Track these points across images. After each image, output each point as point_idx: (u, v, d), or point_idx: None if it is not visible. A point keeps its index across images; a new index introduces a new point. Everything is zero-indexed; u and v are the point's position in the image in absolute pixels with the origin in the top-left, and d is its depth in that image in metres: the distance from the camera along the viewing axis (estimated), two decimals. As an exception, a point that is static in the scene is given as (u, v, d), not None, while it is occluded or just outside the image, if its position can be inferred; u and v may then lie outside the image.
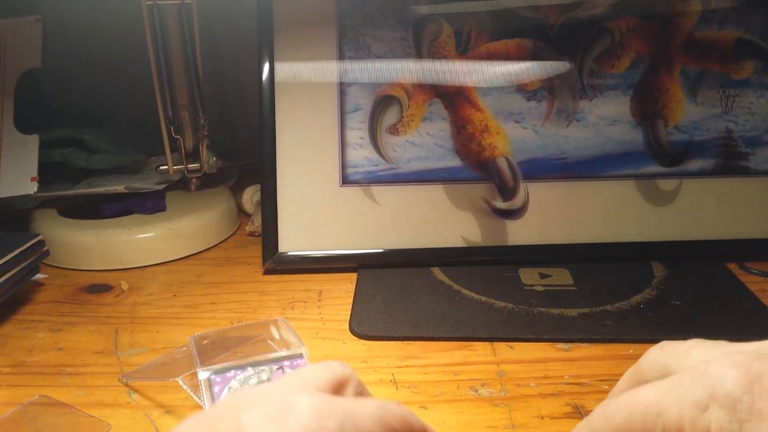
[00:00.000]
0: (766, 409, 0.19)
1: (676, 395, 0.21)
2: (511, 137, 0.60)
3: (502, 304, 0.53)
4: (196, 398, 0.42)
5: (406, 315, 0.52)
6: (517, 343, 0.48)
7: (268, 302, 0.56)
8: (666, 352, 0.24)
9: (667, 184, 0.61)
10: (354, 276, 0.59)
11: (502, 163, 0.60)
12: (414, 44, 0.60)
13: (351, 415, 0.22)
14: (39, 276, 0.59)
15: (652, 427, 0.21)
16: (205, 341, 0.46)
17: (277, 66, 0.60)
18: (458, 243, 0.60)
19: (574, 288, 0.55)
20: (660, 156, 0.61)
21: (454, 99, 0.60)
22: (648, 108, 0.60)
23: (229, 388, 0.40)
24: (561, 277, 0.57)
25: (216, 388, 0.40)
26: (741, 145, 0.61)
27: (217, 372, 0.41)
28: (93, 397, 0.44)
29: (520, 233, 0.60)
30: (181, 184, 0.72)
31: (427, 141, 0.60)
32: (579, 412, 0.40)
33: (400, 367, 0.46)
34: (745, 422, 0.19)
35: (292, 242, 0.60)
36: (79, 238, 0.62)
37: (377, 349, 0.48)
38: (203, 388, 0.40)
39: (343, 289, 0.57)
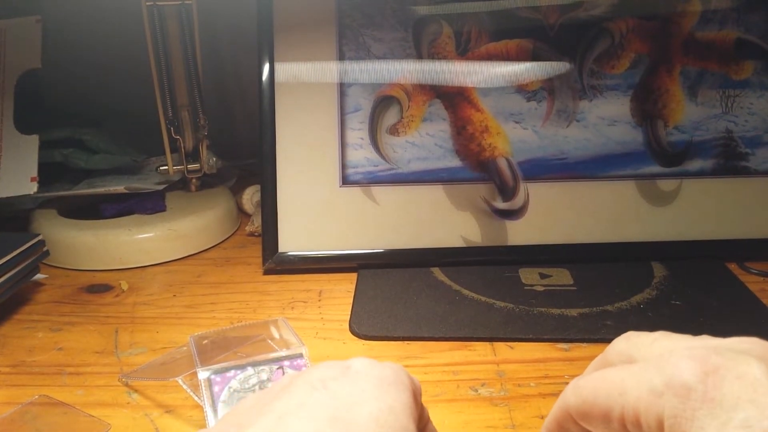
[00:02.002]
0: (718, 398, 0.20)
1: (637, 380, 0.22)
2: (511, 137, 0.60)
3: (502, 304, 0.53)
4: (196, 398, 0.42)
5: (406, 315, 0.52)
6: (517, 343, 0.48)
7: (268, 302, 0.56)
8: (632, 344, 0.25)
9: (667, 185, 0.61)
10: (354, 276, 0.59)
11: (502, 164, 0.60)
12: (414, 45, 0.60)
13: (395, 367, 0.25)
14: (39, 276, 0.59)
15: (613, 405, 0.22)
16: (205, 341, 0.46)
17: (277, 66, 0.60)
18: (458, 243, 0.60)
19: (574, 288, 0.55)
20: (660, 156, 0.61)
21: (454, 99, 0.60)
22: (648, 108, 0.60)
23: (229, 387, 0.40)
24: (561, 277, 0.57)
25: (216, 388, 0.40)
26: (741, 145, 0.61)
27: (217, 372, 0.41)
28: (93, 396, 0.44)
29: (520, 233, 0.60)
30: (181, 184, 0.72)
31: (427, 141, 0.60)
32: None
33: (400, 367, 0.46)
34: (698, 410, 0.20)
35: (292, 242, 0.60)
36: (79, 238, 0.62)
37: (377, 349, 0.48)
38: (203, 387, 0.40)
39: (343, 289, 0.57)
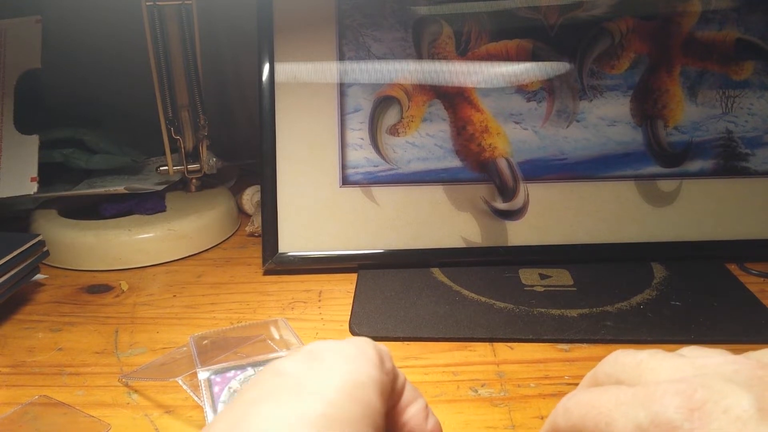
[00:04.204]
0: None
1: (623, 412, 0.22)
2: (511, 138, 0.60)
3: (502, 304, 0.53)
4: (196, 398, 0.42)
5: (406, 315, 0.52)
6: (517, 343, 0.48)
7: (268, 302, 0.56)
8: (618, 366, 0.25)
9: (667, 185, 0.61)
10: (354, 276, 0.59)
11: (502, 164, 0.60)
12: (414, 45, 0.60)
13: (358, 342, 0.26)
14: (39, 276, 0.59)
15: None
16: (205, 341, 0.46)
17: (277, 66, 0.60)
18: (458, 243, 0.60)
19: (574, 288, 0.55)
20: (660, 157, 0.61)
21: (454, 100, 0.60)
22: (648, 108, 0.60)
23: (229, 388, 0.40)
24: (561, 278, 0.57)
25: (216, 388, 0.40)
26: (741, 145, 0.61)
27: (217, 372, 0.41)
28: (93, 397, 0.44)
29: (520, 234, 0.60)
30: (181, 184, 0.72)
31: (427, 142, 0.60)
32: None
33: (400, 368, 0.46)
34: None
35: (292, 243, 0.60)
36: (80, 238, 0.62)
37: (377, 349, 0.48)
38: (203, 388, 0.40)
39: (343, 289, 0.57)
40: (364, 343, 0.26)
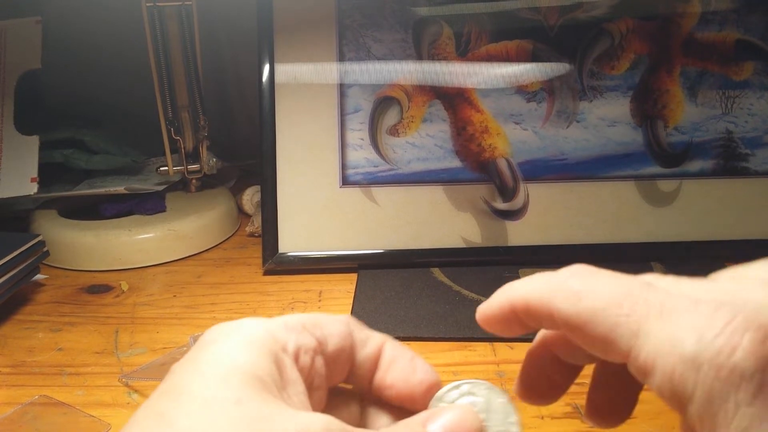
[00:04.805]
0: None
1: (662, 332, 0.17)
2: (511, 138, 0.60)
3: (502, 304, 0.53)
4: (196, 398, 0.42)
5: (406, 315, 0.52)
6: (517, 343, 0.48)
7: (268, 303, 0.56)
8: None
9: (667, 185, 0.61)
10: (354, 276, 0.59)
11: (502, 164, 0.60)
12: (414, 46, 0.60)
13: (316, 316, 0.23)
14: (39, 276, 0.59)
15: (618, 342, 0.17)
16: (205, 341, 0.45)
17: (277, 67, 0.60)
18: (458, 243, 0.60)
19: (574, 289, 0.55)
20: (660, 157, 0.61)
21: (454, 100, 0.60)
22: (648, 109, 0.60)
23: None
24: (561, 278, 0.57)
25: (216, 388, 0.40)
26: (741, 146, 0.61)
27: (217, 372, 0.41)
28: (93, 397, 0.44)
29: (520, 234, 0.60)
30: (181, 185, 0.72)
31: (427, 142, 0.60)
32: (579, 412, 0.40)
33: (400, 368, 0.46)
34: (747, 406, 0.15)
35: (292, 243, 0.60)
36: (80, 238, 0.62)
37: (377, 349, 0.48)
38: (203, 388, 0.40)
39: (343, 289, 0.57)
40: (256, 341, 0.21)
